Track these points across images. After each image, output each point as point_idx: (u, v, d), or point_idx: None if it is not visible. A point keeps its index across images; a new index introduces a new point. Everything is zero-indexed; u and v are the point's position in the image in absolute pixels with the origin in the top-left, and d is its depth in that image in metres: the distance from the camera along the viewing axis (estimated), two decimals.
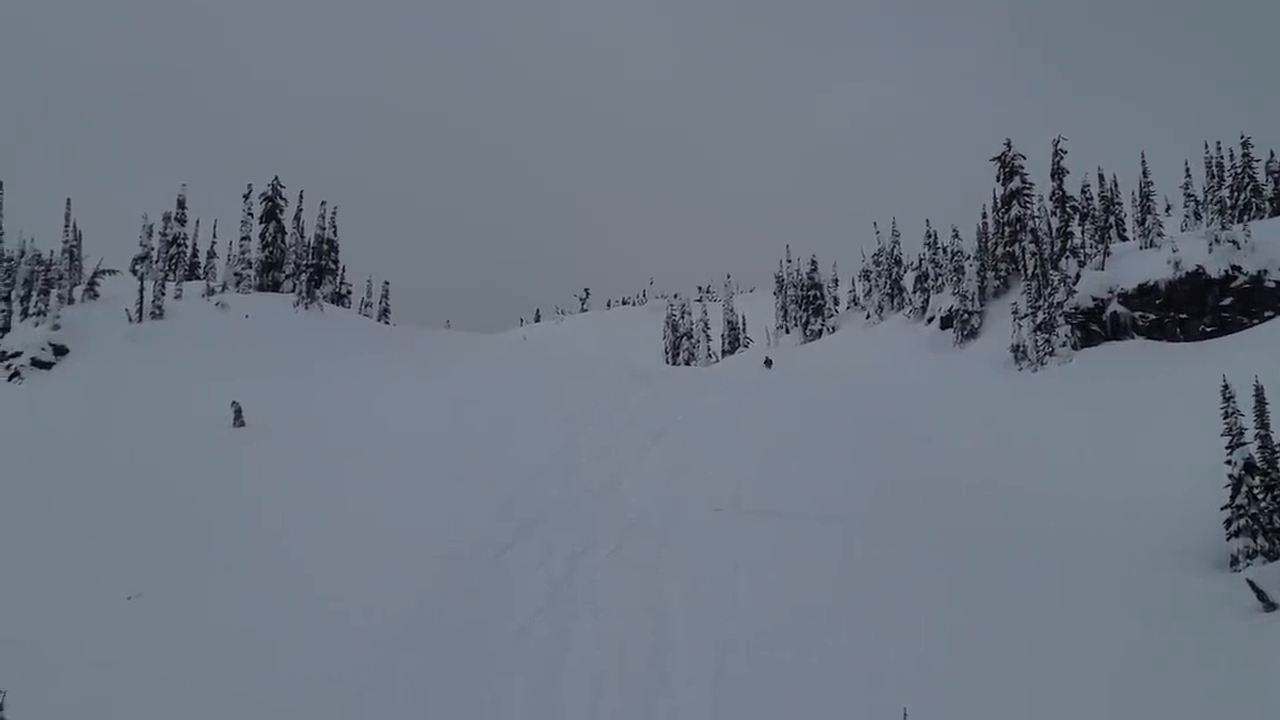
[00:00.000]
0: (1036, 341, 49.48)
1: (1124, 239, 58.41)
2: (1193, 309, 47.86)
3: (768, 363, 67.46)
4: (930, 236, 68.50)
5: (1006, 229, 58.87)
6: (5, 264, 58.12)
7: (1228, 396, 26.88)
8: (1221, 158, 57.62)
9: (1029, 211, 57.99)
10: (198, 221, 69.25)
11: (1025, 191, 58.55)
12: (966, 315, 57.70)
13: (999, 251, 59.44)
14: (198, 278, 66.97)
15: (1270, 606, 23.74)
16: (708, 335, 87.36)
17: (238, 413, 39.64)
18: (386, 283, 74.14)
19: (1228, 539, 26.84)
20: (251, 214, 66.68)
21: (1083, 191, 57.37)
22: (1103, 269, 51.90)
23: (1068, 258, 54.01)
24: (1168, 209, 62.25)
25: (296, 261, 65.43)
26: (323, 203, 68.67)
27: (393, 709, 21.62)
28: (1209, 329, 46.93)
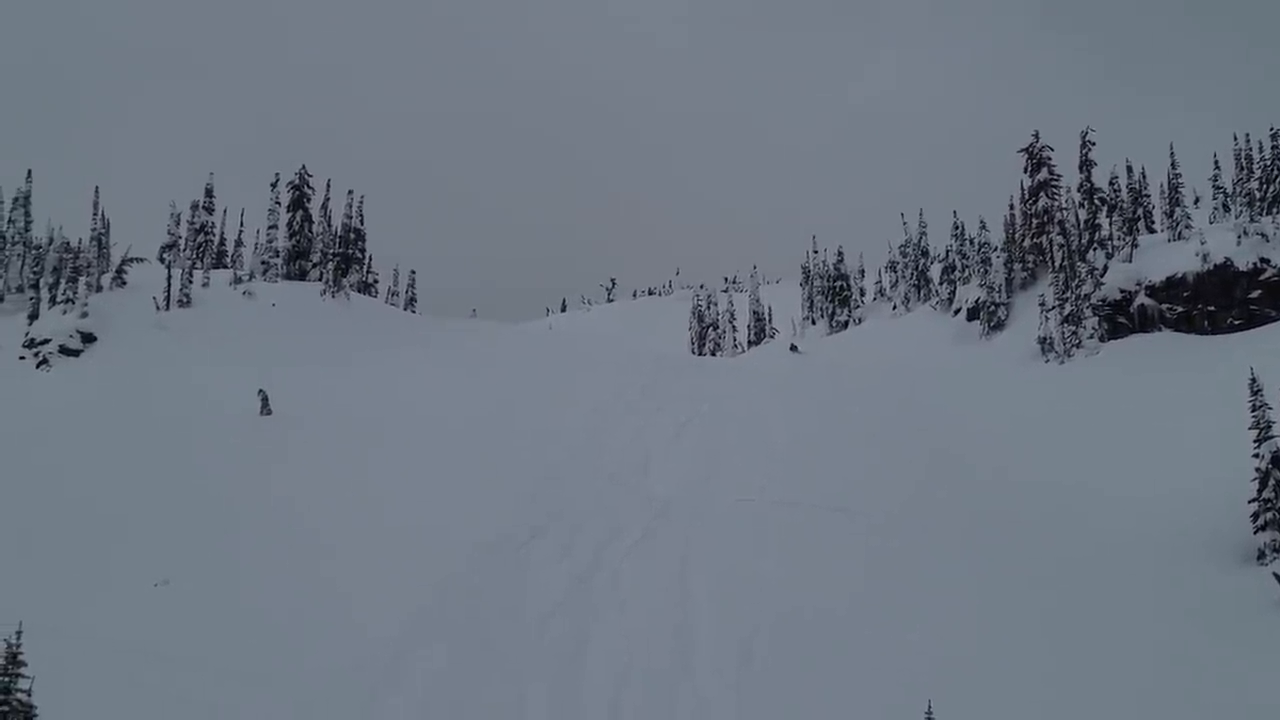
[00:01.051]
0: (1064, 333, 49.30)
1: (1152, 231, 58.05)
2: (1220, 302, 47.60)
3: (793, 348, 67.63)
4: (957, 228, 68.14)
5: (1034, 220, 58.63)
6: (34, 252, 58.43)
7: (1255, 390, 26.77)
8: (1250, 150, 57.18)
9: (1057, 203, 57.72)
10: (225, 210, 69.42)
11: (1053, 183, 58.30)
12: (993, 307, 57.49)
13: (1026, 243, 59.20)
14: (225, 266, 67.06)
15: None
16: (734, 326, 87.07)
17: (264, 401, 39.78)
18: (413, 272, 74.37)
19: (1254, 532, 26.76)
20: (279, 203, 66.80)
21: (1110, 183, 57.06)
22: (1130, 261, 51.71)
23: (1095, 250, 53.81)
24: (1196, 201, 61.86)
25: (323, 250, 65.52)
26: (349, 192, 68.76)
27: (413, 699, 21.72)
28: (1237, 322, 46.65)
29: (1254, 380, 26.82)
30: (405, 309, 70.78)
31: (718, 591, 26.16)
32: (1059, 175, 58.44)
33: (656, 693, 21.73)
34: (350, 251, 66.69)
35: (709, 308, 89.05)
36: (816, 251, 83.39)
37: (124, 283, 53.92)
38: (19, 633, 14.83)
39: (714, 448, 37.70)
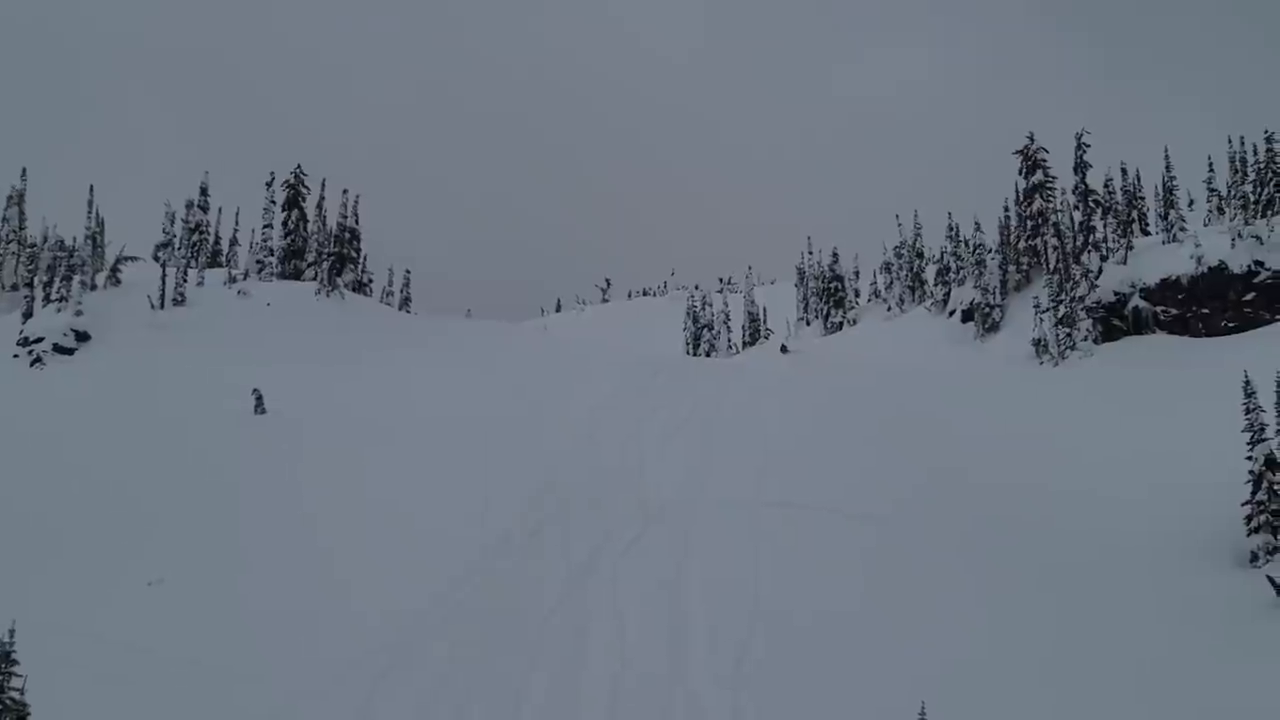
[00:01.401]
0: (1058, 335, 49.37)
1: (1146, 233, 58.04)
2: (1215, 304, 47.70)
3: (784, 349, 67.67)
4: (952, 229, 67.97)
5: (1029, 222, 58.55)
6: (28, 250, 58.41)
7: (1249, 392, 26.81)
8: (1245, 153, 57.14)
9: (1051, 205, 57.65)
10: (220, 209, 69.25)
11: (1048, 185, 58.18)
12: (988, 309, 57.49)
13: (1021, 245, 59.12)
14: (220, 265, 66.95)
15: None
16: (728, 327, 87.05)
17: (259, 400, 39.73)
18: (408, 271, 74.11)
19: (1248, 535, 26.79)
20: (274, 201, 66.66)
21: (1105, 185, 57.09)
22: (1125, 263, 51.74)
23: (1090, 252, 53.80)
24: (1190, 204, 61.84)
25: (318, 249, 65.34)
26: (344, 191, 68.43)
27: (412, 694, 21.74)
28: (1231, 324, 46.74)
29: (1248, 383, 26.86)
30: (400, 308, 70.64)
31: (713, 593, 26.19)
32: (1054, 177, 58.29)
33: (653, 695, 21.76)
34: (345, 251, 66.48)
35: (704, 308, 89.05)
36: (811, 252, 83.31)
37: (119, 281, 53.84)
38: (12, 631, 14.82)
39: (709, 449, 37.69)
